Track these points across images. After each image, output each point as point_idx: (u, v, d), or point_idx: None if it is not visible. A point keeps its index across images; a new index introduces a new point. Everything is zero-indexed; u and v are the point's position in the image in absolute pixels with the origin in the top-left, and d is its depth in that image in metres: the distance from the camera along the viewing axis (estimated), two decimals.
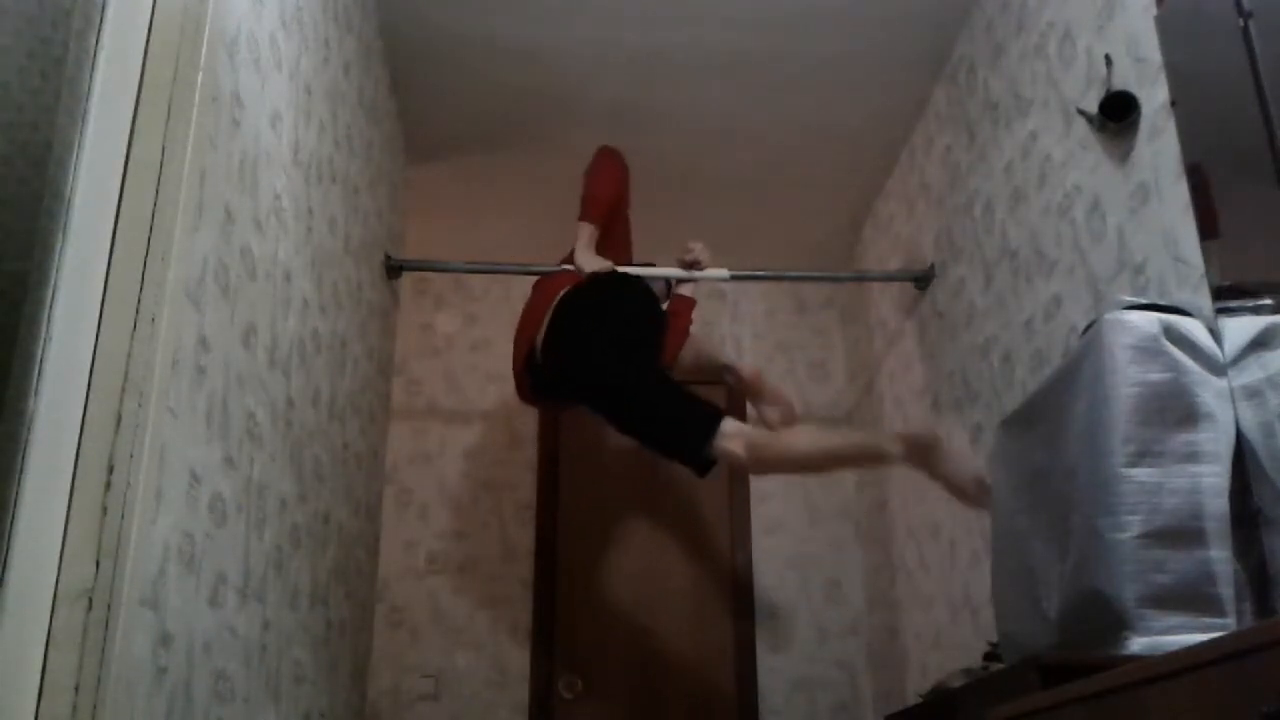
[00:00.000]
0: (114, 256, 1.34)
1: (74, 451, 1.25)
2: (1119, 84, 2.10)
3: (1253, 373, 1.61)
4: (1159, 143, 1.97)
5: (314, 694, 2.34)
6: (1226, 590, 1.52)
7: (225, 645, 1.70)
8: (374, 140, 2.94)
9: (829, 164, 3.67)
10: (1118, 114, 2.08)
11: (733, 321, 4.39)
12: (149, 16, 1.45)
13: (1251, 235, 1.78)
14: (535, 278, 3.08)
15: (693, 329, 3.20)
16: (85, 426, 1.26)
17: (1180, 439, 1.59)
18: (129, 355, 1.32)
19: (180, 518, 1.48)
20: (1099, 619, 1.59)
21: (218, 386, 1.64)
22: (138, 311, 1.34)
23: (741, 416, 2.72)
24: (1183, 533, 1.55)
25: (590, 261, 2.85)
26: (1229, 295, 1.74)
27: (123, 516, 1.26)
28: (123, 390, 1.30)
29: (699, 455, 2.51)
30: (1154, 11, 1.98)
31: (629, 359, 2.69)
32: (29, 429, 1.20)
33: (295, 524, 2.14)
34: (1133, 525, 1.56)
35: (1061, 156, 2.38)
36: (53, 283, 1.25)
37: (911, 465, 2.51)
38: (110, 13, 1.38)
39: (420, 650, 3.82)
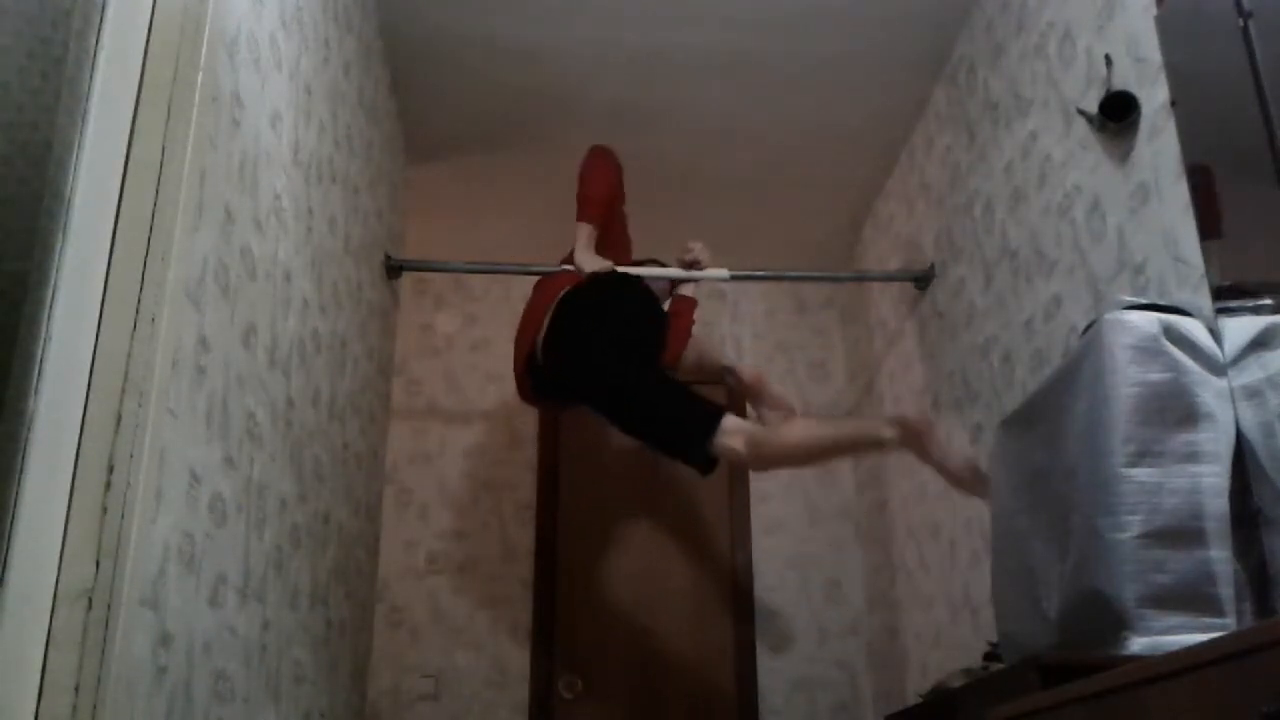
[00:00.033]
0: (114, 256, 1.34)
1: (74, 451, 1.25)
2: (1119, 84, 2.10)
3: (1253, 373, 1.61)
4: (1159, 143, 1.97)
5: (314, 694, 2.33)
6: (1226, 590, 1.52)
7: (225, 645, 1.70)
8: (374, 140, 2.94)
9: (829, 164, 3.67)
10: (1118, 114, 2.08)
11: (733, 321, 4.39)
12: (149, 16, 1.45)
13: (1251, 235, 1.78)
14: (535, 278, 3.08)
15: (694, 329, 3.21)
16: (85, 426, 1.26)
17: (1180, 439, 1.59)
18: (129, 355, 1.32)
19: (180, 518, 1.48)
20: (1099, 619, 1.59)
21: (218, 386, 1.64)
22: (138, 311, 1.34)
23: (741, 416, 2.72)
24: (1183, 533, 1.55)
25: (590, 261, 2.86)
26: (1229, 295, 1.74)
27: (123, 516, 1.26)
28: (123, 390, 1.30)
29: (701, 453, 2.52)
30: (1154, 11, 1.98)
31: (629, 359, 2.69)
32: (29, 429, 1.20)
33: (295, 524, 2.14)
34: (1133, 525, 1.56)
35: (1061, 156, 2.38)
36: (53, 283, 1.25)
37: (906, 449, 2.50)
38: (110, 13, 1.38)
39: (420, 650, 3.82)
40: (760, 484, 4.13)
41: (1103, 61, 2.15)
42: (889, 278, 3.64)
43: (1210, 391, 1.62)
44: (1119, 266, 2.12)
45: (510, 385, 3.01)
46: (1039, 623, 1.80)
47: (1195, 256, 1.84)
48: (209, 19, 1.51)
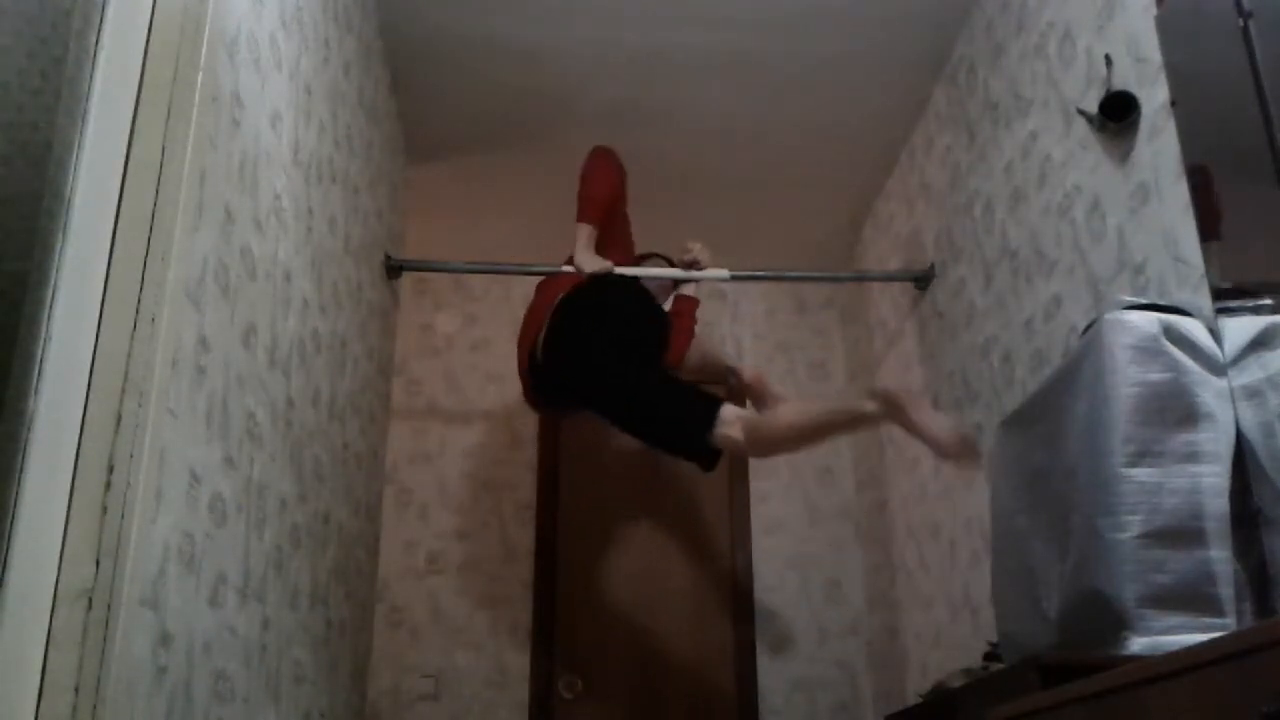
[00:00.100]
0: (114, 256, 1.34)
1: (74, 451, 1.25)
2: (1119, 84, 2.10)
3: (1253, 373, 1.61)
4: (1159, 143, 1.97)
5: (314, 694, 2.33)
6: (1226, 590, 1.52)
7: (225, 645, 1.70)
8: (374, 140, 2.94)
9: (829, 164, 3.67)
10: (1118, 114, 2.08)
11: (733, 321, 4.39)
12: (149, 16, 1.45)
13: (1251, 235, 1.78)
14: (536, 278, 3.08)
15: (696, 329, 3.21)
16: (85, 426, 1.26)
17: (1180, 439, 1.59)
18: (129, 355, 1.32)
19: (180, 518, 1.48)
20: (1099, 619, 1.59)
21: (218, 386, 1.64)
22: (138, 311, 1.34)
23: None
24: (1183, 533, 1.55)
25: (590, 262, 2.86)
26: (1229, 295, 1.74)
27: (123, 516, 1.26)
28: (123, 390, 1.30)
29: (702, 446, 2.53)
30: (1154, 11, 1.98)
31: (629, 359, 2.70)
32: (29, 429, 1.20)
33: (295, 524, 2.14)
34: (1133, 525, 1.56)
35: (1061, 156, 2.38)
36: (53, 283, 1.25)
37: (890, 421, 2.48)
38: (110, 13, 1.38)
39: (420, 650, 3.82)
40: (760, 484, 4.13)
41: (1103, 61, 2.15)
42: (889, 278, 3.64)
43: (1210, 391, 1.62)
44: (1119, 266, 2.12)
45: (510, 385, 3.02)
46: (1039, 623, 1.80)
47: (1195, 256, 1.84)
48: (209, 19, 1.51)
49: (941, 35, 3.04)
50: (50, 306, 1.25)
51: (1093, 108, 2.15)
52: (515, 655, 3.84)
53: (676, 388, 2.66)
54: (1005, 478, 2.04)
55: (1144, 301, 1.75)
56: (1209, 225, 1.82)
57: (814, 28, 3.00)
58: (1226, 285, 1.75)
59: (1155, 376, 1.62)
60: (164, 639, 1.43)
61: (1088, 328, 1.80)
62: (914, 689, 3.21)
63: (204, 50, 1.49)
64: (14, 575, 1.16)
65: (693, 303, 3.21)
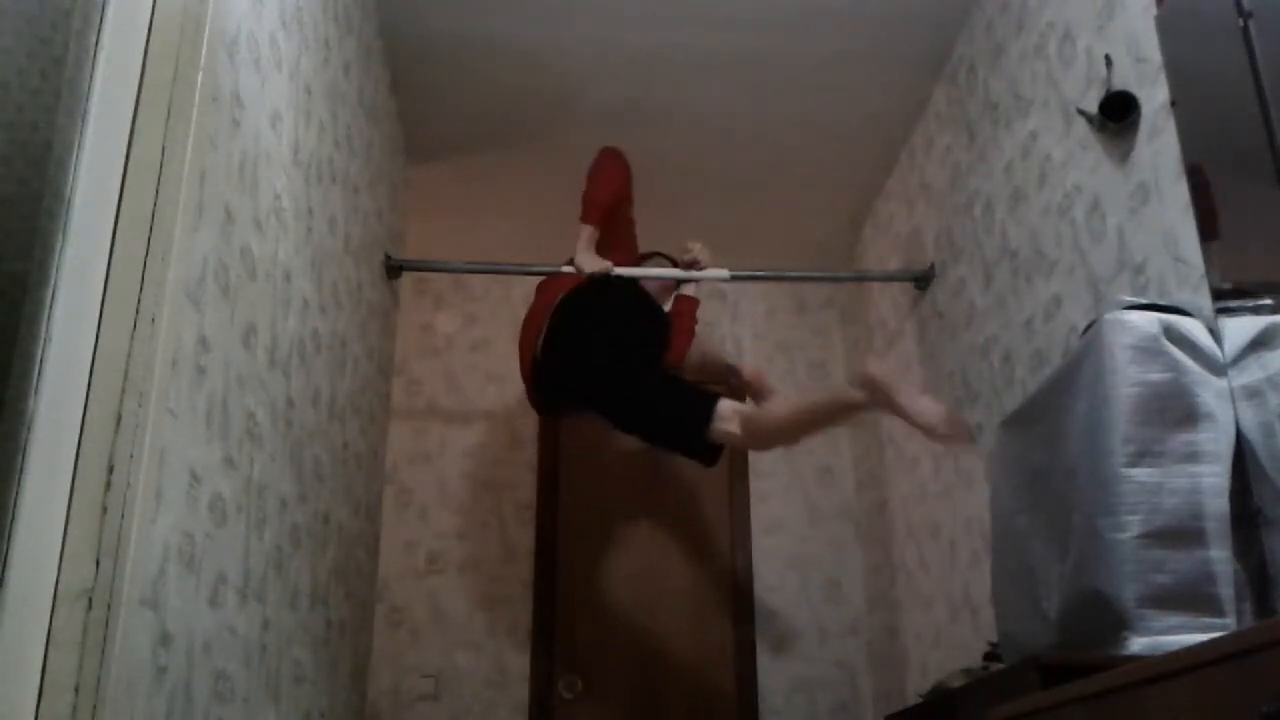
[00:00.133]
0: (114, 256, 1.34)
1: (74, 451, 1.25)
2: (1119, 84, 2.10)
3: (1253, 373, 1.61)
4: (1159, 143, 1.97)
5: (314, 694, 2.33)
6: (1226, 590, 1.52)
7: (225, 645, 1.70)
8: (374, 140, 2.94)
9: (829, 164, 3.67)
10: (1118, 114, 2.08)
11: (733, 322, 4.39)
12: (149, 16, 1.45)
13: (1251, 235, 1.78)
14: (536, 278, 3.08)
15: (696, 329, 3.21)
16: (85, 426, 1.26)
17: (1180, 439, 1.59)
18: (129, 355, 1.32)
19: (180, 518, 1.48)
20: (1099, 619, 1.59)
21: (218, 386, 1.64)
22: (138, 311, 1.34)
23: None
24: (1183, 533, 1.55)
25: (589, 262, 2.86)
26: (1229, 295, 1.74)
27: (123, 516, 1.26)
28: (123, 390, 1.30)
29: (701, 442, 2.54)
30: (1154, 11, 1.98)
31: (628, 359, 2.70)
32: (29, 429, 1.20)
33: (295, 524, 2.14)
34: (1133, 525, 1.56)
35: (1061, 156, 2.38)
36: (53, 283, 1.25)
37: (878, 407, 2.46)
38: (110, 13, 1.38)
39: (420, 650, 3.82)
40: (760, 484, 4.13)
41: (1103, 61, 2.15)
42: (889, 278, 3.64)
43: (1210, 391, 1.62)
44: (1119, 266, 2.12)
45: (510, 385, 3.02)
46: (1039, 623, 1.80)
47: (1195, 256, 1.84)
48: (209, 19, 1.51)
49: (941, 35, 3.04)
50: (50, 306, 1.25)
51: (1093, 108, 2.15)
52: (515, 655, 3.84)
53: (674, 386, 2.67)
54: (1005, 478, 2.04)
55: (1144, 301, 1.75)
56: (1209, 225, 1.82)
57: (814, 28, 3.00)
58: (1226, 285, 1.75)
59: (1155, 376, 1.62)
60: (164, 639, 1.43)
61: (1088, 328, 1.80)
62: (914, 689, 3.21)
63: (204, 50, 1.49)
64: (14, 575, 1.16)
65: (693, 303, 3.21)
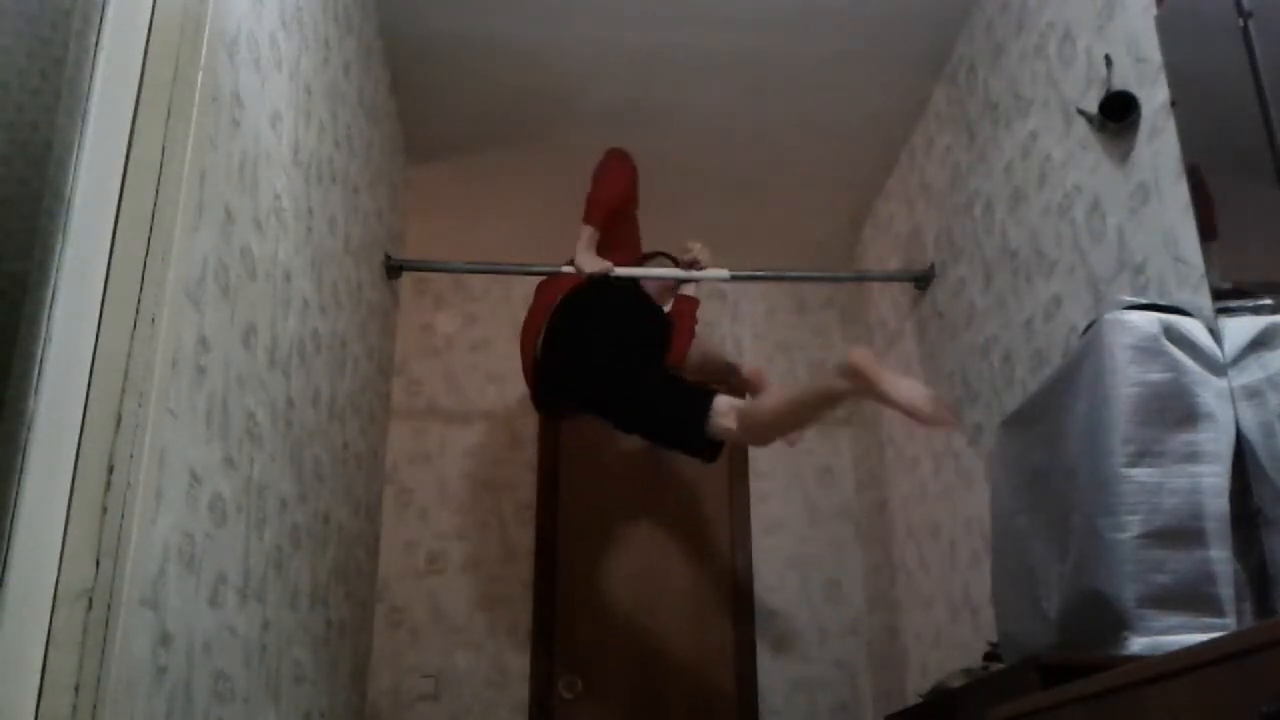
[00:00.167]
0: (114, 256, 1.34)
1: (74, 451, 1.25)
2: (1119, 84, 2.10)
3: (1253, 373, 1.61)
4: (1159, 143, 1.97)
5: (314, 694, 2.33)
6: (1226, 590, 1.52)
7: (225, 645, 1.70)
8: (374, 140, 2.94)
9: (829, 164, 3.67)
10: (1118, 114, 2.08)
11: (733, 322, 4.39)
12: (149, 16, 1.45)
13: (1251, 235, 1.78)
14: (536, 278, 3.08)
15: (696, 328, 3.21)
16: (85, 426, 1.26)
17: (1180, 439, 1.59)
18: (129, 355, 1.32)
19: (180, 518, 1.48)
20: (1099, 619, 1.59)
21: (218, 386, 1.64)
22: (138, 311, 1.34)
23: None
24: (1183, 533, 1.55)
25: (589, 263, 2.86)
26: (1229, 295, 1.74)
27: (123, 516, 1.26)
28: (123, 390, 1.30)
29: (700, 438, 2.55)
30: (1154, 11, 1.98)
31: (628, 360, 2.71)
32: (29, 429, 1.20)
33: (295, 524, 2.14)
34: (1133, 525, 1.56)
35: (1061, 156, 2.38)
36: (53, 283, 1.25)
37: (863, 393, 2.45)
38: (110, 13, 1.38)
39: (420, 650, 3.82)
40: (760, 484, 4.13)
41: (1103, 61, 2.15)
42: (889, 278, 3.64)
43: (1210, 391, 1.62)
44: (1119, 266, 2.12)
45: (510, 385, 3.02)
46: (1039, 623, 1.80)
47: (1195, 256, 1.84)
48: (209, 19, 1.51)
49: (941, 35, 3.04)
50: (50, 306, 1.25)
51: (1093, 108, 2.15)
52: (515, 655, 3.84)
53: (672, 385, 2.68)
54: (1005, 478, 2.04)
55: (1144, 301, 1.75)
56: (1208, 225, 1.82)
57: (814, 28, 3.00)
58: (1226, 285, 1.75)
59: (1155, 376, 1.62)
60: (164, 639, 1.43)
61: (1088, 328, 1.80)
62: (914, 689, 3.21)
63: (204, 50, 1.49)
64: (14, 575, 1.16)
65: (693, 303, 3.21)
